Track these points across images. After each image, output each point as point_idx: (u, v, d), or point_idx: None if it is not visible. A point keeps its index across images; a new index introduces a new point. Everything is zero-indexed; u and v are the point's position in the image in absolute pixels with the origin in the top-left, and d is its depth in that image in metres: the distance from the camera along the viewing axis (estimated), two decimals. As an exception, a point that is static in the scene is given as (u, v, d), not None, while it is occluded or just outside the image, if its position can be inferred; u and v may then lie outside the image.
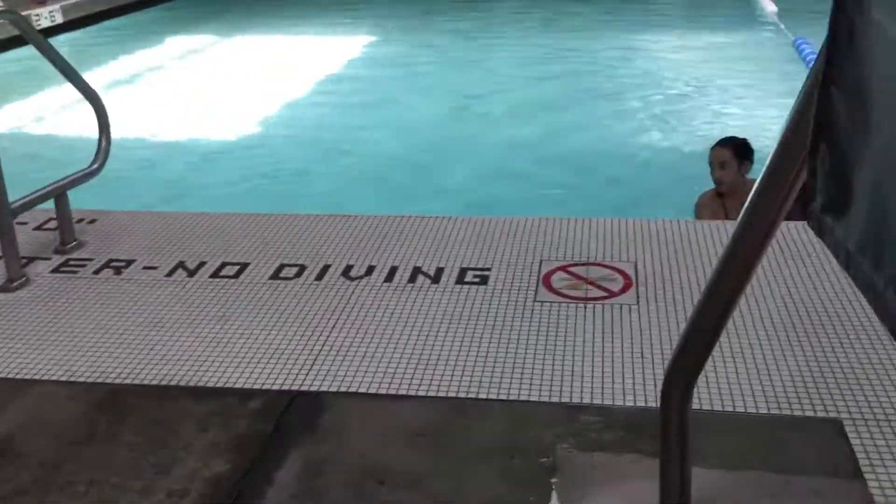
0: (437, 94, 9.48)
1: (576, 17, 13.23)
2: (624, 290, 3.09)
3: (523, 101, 9.00)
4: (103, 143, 3.66)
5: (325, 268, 3.38)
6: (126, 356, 2.82)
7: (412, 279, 3.26)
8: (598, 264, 3.29)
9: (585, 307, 2.98)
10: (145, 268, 3.46)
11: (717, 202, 4.67)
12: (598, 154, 7.32)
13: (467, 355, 2.72)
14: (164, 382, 2.68)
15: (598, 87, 9.35)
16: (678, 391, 1.52)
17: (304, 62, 11.09)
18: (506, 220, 3.75)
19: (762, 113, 8.06)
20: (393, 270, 3.33)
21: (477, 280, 3.22)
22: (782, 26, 11.66)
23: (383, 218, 3.84)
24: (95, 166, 3.65)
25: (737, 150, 4.65)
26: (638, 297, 3.04)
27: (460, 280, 3.23)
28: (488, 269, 3.30)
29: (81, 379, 2.71)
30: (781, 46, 10.84)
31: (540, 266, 3.31)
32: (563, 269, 3.27)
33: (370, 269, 3.35)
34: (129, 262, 3.51)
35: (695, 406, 1.79)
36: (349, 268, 3.37)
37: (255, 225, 3.84)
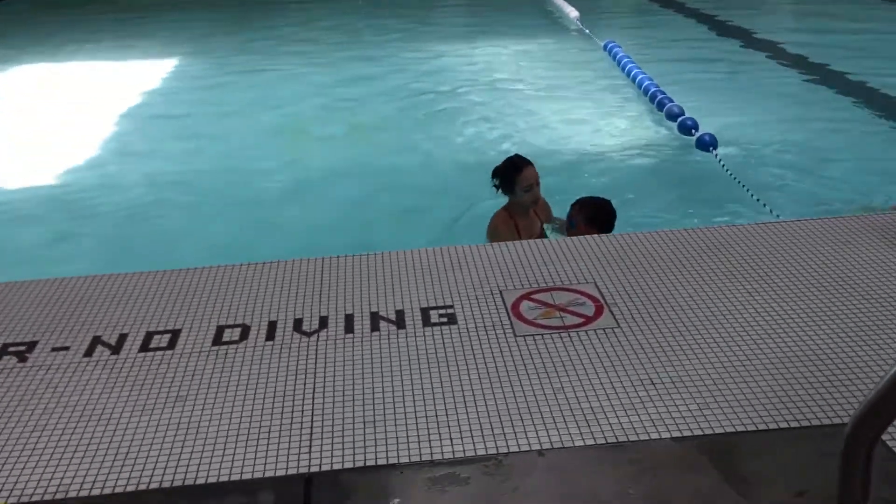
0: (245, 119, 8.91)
1: (383, 30, 13.22)
2: (598, 313, 3.03)
3: (340, 123, 8.59)
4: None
5: (272, 325, 3.06)
6: (74, 463, 2.37)
7: (374, 327, 3.01)
8: (562, 289, 3.22)
9: (569, 336, 2.89)
10: (54, 349, 2.96)
11: (511, 223, 4.60)
12: (431, 171, 7.16)
13: (477, 404, 2.54)
14: (133, 487, 2.27)
15: (412, 101, 9.22)
16: (864, 444, 1.46)
17: (107, 89, 10.19)
18: (441, 251, 3.59)
19: (579, 110, 8.47)
20: (350, 319, 3.07)
21: (444, 320, 3.04)
22: (586, 30, 12.30)
23: (307, 261, 3.55)
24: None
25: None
26: (616, 319, 2.99)
27: (426, 321, 3.03)
28: (451, 307, 3.12)
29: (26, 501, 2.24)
30: (588, 50, 11.44)
31: (502, 297, 3.18)
32: (527, 297, 3.17)
33: (324, 321, 3.06)
34: (32, 345, 2.99)
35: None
36: (299, 321, 3.07)
37: (163, 283, 3.41)
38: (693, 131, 6.86)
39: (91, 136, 8.17)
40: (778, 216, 5.02)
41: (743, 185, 5.76)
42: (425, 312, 3.10)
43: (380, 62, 10.98)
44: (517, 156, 4.67)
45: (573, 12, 13.32)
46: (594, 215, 4.36)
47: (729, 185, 6.01)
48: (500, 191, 4.61)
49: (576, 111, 8.47)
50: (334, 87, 9.89)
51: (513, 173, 4.55)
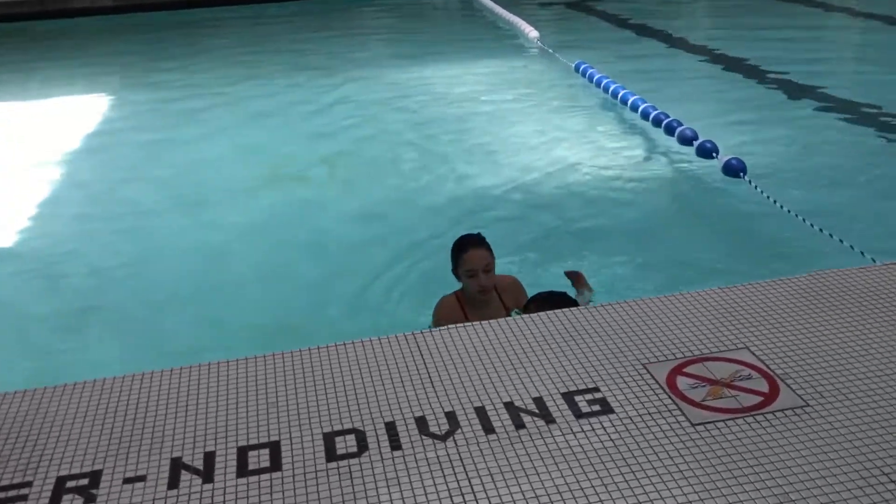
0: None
1: (336, 57, 12.66)
2: (773, 389, 2.59)
3: (307, 160, 7.87)
4: None
5: (390, 427, 2.50)
6: None
7: (517, 422, 2.49)
8: (714, 358, 2.77)
9: (757, 421, 2.44)
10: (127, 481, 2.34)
11: (459, 311, 3.95)
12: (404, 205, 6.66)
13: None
14: None
15: (382, 130, 8.71)
16: None
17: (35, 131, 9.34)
18: (533, 319, 3.10)
19: (562, 136, 8.09)
20: (482, 413, 2.54)
21: (597, 408, 2.54)
22: (549, 49, 12.03)
23: (381, 341, 3.00)
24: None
25: (489, 246, 3.95)
26: (798, 395, 2.56)
27: (575, 412, 2.53)
28: (597, 390, 2.64)
29: None
30: (552, 68, 11.17)
31: (649, 371, 2.71)
32: (680, 371, 2.71)
33: (452, 418, 2.53)
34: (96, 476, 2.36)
35: None
36: (421, 421, 2.52)
37: (51, 402, 2.73)
38: (714, 155, 6.53)
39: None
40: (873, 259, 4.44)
41: (797, 216, 5.31)
42: (570, 399, 2.60)
43: (345, 93, 10.41)
44: (469, 234, 4.01)
45: (532, 32, 13.01)
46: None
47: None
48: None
49: (559, 138, 8.02)
50: (268, 124, 9.12)
51: (456, 254, 3.92)
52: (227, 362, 2.88)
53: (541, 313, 3.13)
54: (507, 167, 7.23)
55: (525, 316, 3.13)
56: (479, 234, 4.00)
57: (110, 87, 11.11)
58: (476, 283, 3.86)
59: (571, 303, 3.63)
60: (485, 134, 8.32)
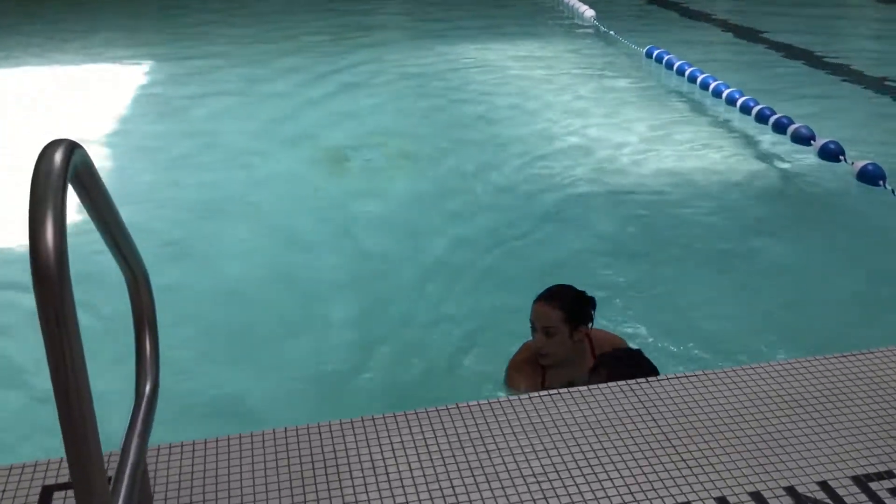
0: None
1: (395, 30, 12.06)
2: None
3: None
4: None
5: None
6: None
7: (808, 515, 1.96)
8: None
9: None
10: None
11: (537, 368, 3.42)
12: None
13: None
14: None
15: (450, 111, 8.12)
16: None
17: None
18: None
19: (640, 129, 7.47)
20: (759, 499, 2.01)
21: (903, 499, 2.01)
22: (603, 28, 11.45)
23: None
24: None
25: (570, 311, 3.30)
26: None
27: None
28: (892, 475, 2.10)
29: None
30: (606, 48, 10.58)
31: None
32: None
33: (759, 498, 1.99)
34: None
35: None
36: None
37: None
38: (841, 157, 5.96)
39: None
40: None
41: None
42: (862, 484, 2.07)
43: (399, 68, 9.80)
44: (557, 287, 3.44)
45: (588, 11, 12.37)
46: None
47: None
48: None
49: (639, 132, 7.38)
50: (324, 101, 8.48)
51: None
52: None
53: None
54: (584, 165, 6.65)
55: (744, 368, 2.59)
56: (562, 291, 3.37)
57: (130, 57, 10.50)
58: (536, 340, 3.33)
59: (648, 367, 2.96)
60: (552, 122, 7.75)
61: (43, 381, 3.79)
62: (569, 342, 3.31)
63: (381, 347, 4.16)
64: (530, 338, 3.40)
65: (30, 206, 1.20)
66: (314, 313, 4.49)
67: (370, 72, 9.60)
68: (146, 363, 1.89)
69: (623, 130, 7.37)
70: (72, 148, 1.31)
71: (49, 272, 1.18)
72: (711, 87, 8.06)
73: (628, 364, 2.92)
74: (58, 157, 1.27)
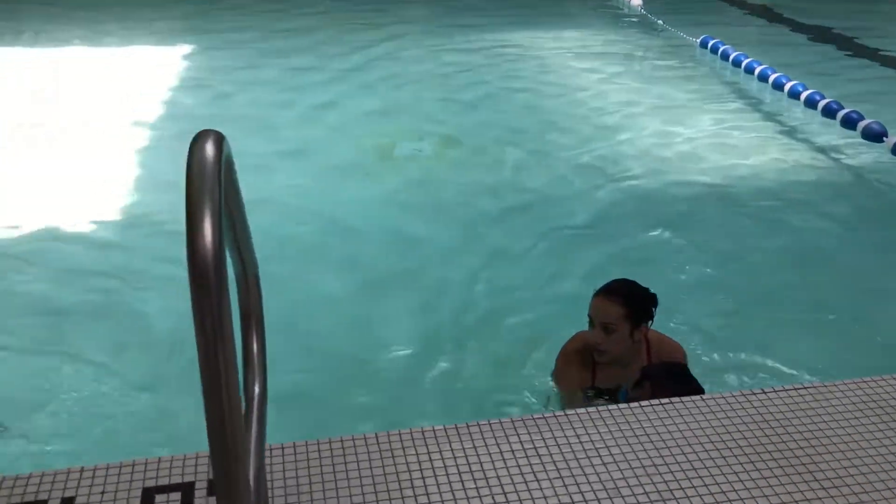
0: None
1: (438, 17, 11.88)
2: None
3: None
4: None
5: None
6: None
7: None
8: None
9: None
10: None
11: (588, 361, 3.28)
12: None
13: None
14: None
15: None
16: None
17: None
18: None
19: (698, 126, 7.23)
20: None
21: None
22: (650, 17, 11.23)
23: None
24: None
25: (633, 308, 3.16)
26: None
27: None
28: None
29: None
30: (654, 38, 10.38)
31: None
32: None
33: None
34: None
35: None
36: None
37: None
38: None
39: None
40: None
41: None
42: None
43: (448, 56, 9.65)
44: (619, 280, 3.28)
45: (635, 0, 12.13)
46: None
47: None
48: None
49: (694, 123, 7.17)
50: (368, 89, 8.34)
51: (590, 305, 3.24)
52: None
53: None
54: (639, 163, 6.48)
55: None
56: (624, 286, 3.23)
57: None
58: (593, 336, 3.18)
59: (696, 387, 2.81)
60: (603, 112, 7.55)
61: (138, 376, 3.76)
62: (628, 341, 3.18)
63: (442, 342, 4.09)
64: (585, 328, 3.28)
65: (187, 205, 1.11)
66: (375, 303, 4.42)
67: (413, 58, 9.47)
68: (254, 364, 1.81)
69: (677, 122, 7.19)
70: (221, 140, 1.22)
71: (206, 275, 1.09)
72: (771, 79, 7.85)
73: (677, 381, 2.77)
74: (210, 151, 1.18)
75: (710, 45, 9.41)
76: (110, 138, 6.81)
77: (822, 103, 6.95)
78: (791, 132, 6.95)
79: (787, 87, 7.59)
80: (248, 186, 1.54)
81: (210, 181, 1.12)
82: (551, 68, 9.05)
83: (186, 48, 9.80)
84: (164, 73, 8.72)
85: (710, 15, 11.95)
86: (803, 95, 7.26)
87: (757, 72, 8.18)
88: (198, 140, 1.19)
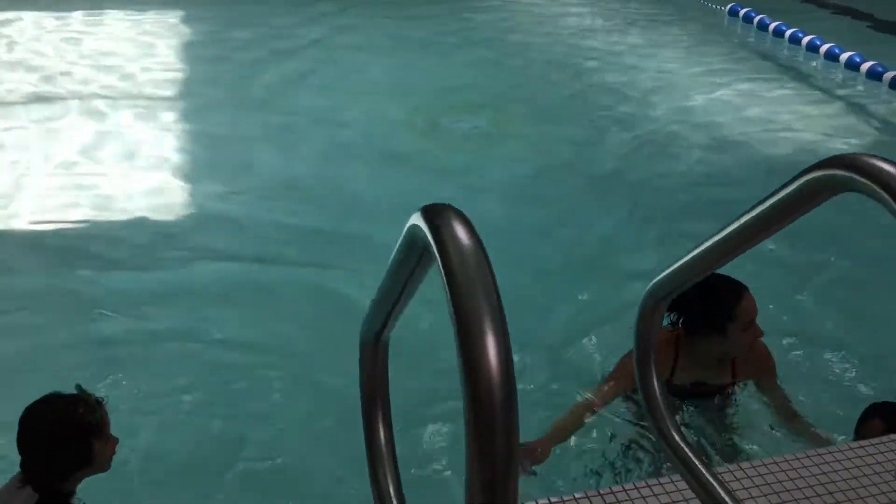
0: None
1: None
2: None
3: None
4: None
5: None
6: None
7: None
8: None
9: None
10: None
11: (672, 351, 3.04)
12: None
13: None
14: None
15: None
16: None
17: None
18: None
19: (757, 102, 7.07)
20: None
21: None
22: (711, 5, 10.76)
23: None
24: None
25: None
26: None
27: None
28: None
29: None
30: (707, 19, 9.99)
31: None
32: None
33: None
34: None
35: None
36: None
37: None
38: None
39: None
40: None
41: None
42: None
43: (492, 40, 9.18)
44: (726, 276, 2.90)
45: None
46: None
47: None
48: (681, 325, 2.97)
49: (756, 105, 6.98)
50: (423, 65, 8.10)
51: (729, 302, 2.89)
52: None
53: None
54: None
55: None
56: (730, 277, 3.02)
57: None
58: (753, 336, 2.94)
59: None
60: (656, 88, 7.38)
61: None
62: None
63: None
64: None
65: (458, 323, 0.78)
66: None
67: (464, 36, 9.22)
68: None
69: (739, 100, 7.07)
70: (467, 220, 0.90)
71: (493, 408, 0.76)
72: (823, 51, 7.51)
73: None
74: (464, 235, 0.85)
75: (739, 11, 8.97)
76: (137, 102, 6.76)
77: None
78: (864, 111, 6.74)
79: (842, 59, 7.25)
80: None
81: (486, 294, 0.80)
82: (605, 45, 8.86)
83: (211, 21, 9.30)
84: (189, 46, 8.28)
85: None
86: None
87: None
88: (434, 218, 0.86)
